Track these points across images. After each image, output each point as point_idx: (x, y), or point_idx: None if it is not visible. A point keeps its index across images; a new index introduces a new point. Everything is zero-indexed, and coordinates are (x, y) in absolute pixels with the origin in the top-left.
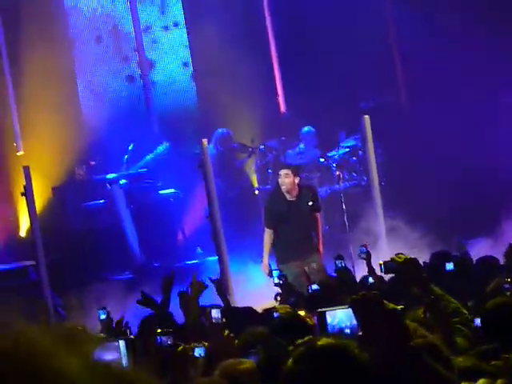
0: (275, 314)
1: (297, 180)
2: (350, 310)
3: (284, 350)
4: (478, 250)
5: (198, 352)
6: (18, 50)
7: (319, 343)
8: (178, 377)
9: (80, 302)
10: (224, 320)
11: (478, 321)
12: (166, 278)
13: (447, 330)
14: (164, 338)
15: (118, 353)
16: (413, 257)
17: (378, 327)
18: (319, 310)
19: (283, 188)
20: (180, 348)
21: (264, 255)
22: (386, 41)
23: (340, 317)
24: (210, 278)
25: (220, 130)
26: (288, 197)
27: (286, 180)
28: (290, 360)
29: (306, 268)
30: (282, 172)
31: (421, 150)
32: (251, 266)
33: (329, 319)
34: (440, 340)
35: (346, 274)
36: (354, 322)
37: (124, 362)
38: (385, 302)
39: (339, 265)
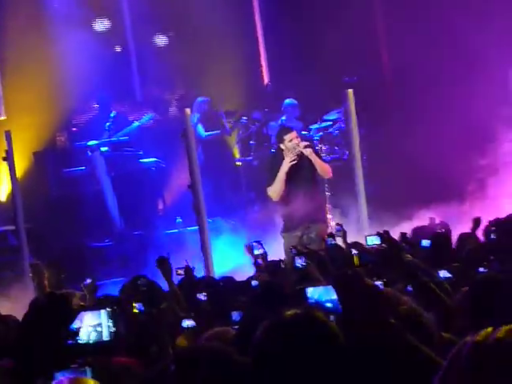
0: (253, 283)
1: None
2: (330, 286)
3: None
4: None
5: (186, 324)
6: (1, 15)
7: (287, 313)
8: (161, 335)
9: (55, 272)
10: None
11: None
12: (163, 263)
13: (442, 309)
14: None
15: (99, 322)
16: (392, 239)
17: (357, 303)
18: (299, 286)
19: (296, 151)
20: (163, 305)
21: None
22: (370, 14)
23: (321, 292)
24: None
25: (199, 98)
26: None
27: (296, 141)
28: (258, 331)
29: (305, 237)
30: (293, 135)
31: (403, 124)
32: (231, 236)
33: (309, 294)
34: (434, 320)
35: (336, 252)
36: (335, 296)
37: (105, 331)
38: (365, 278)
39: (330, 243)
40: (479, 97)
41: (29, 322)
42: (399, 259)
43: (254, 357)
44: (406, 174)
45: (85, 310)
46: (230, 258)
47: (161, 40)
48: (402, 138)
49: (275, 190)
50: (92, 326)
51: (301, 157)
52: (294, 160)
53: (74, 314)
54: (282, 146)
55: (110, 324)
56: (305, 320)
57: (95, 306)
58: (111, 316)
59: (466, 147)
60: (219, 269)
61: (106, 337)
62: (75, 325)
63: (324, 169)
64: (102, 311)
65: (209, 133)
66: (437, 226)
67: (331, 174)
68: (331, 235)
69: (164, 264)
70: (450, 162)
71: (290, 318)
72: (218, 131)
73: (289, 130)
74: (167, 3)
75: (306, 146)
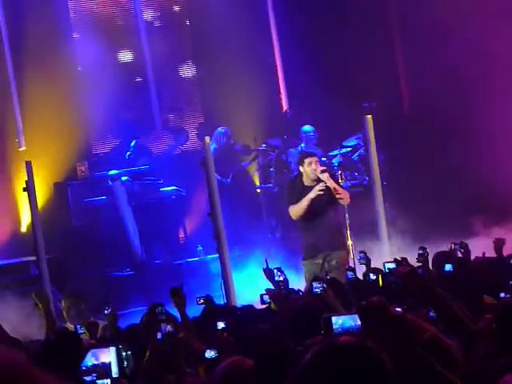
0: (266, 300)
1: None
2: (355, 316)
3: (285, 350)
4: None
5: (209, 354)
6: (20, 45)
7: (342, 339)
8: (179, 364)
9: (76, 302)
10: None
11: None
12: (175, 293)
13: (464, 335)
14: (163, 326)
15: (109, 359)
16: (411, 266)
17: (383, 332)
18: (325, 315)
19: (312, 176)
20: (181, 335)
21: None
22: (389, 41)
23: (345, 321)
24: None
25: (220, 129)
26: (308, 183)
27: (315, 166)
28: (309, 354)
29: (326, 265)
30: (313, 159)
31: (423, 150)
32: (252, 264)
33: (333, 322)
34: (457, 346)
35: (357, 284)
36: (358, 323)
37: (114, 368)
38: (389, 307)
39: (350, 277)
40: (499, 119)
41: (37, 359)
42: (423, 284)
43: (300, 381)
44: (427, 199)
45: (94, 348)
46: (251, 286)
47: (180, 70)
48: (422, 163)
49: (297, 212)
50: (106, 362)
51: (319, 184)
52: (322, 190)
53: (83, 351)
54: (301, 169)
55: (122, 360)
56: (360, 349)
57: (103, 343)
58: (119, 353)
59: (489, 170)
60: (242, 297)
61: (115, 373)
62: (89, 362)
63: (341, 195)
64: (111, 348)
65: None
66: (457, 249)
67: (349, 200)
68: (351, 269)
69: (177, 295)
70: (474, 186)
71: (344, 345)
72: (226, 180)
73: (311, 154)
74: (186, 34)
75: (322, 171)
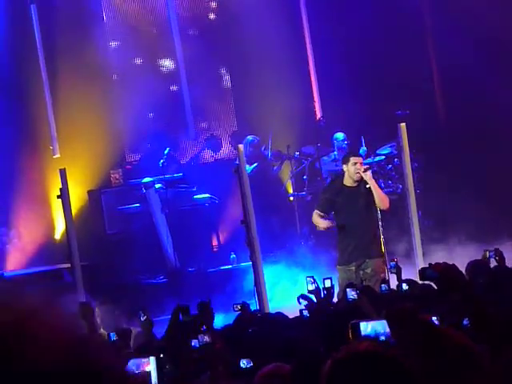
0: (305, 314)
1: None
2: (384, 321)
3: (319, 357)
4: None
5: (243, 363)
6: (55, 54)
7: (363, 345)
8: (216, 374)
9: (109, 309)
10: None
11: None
12: (205, 308)
13: (495, 339)
14: (201, 336)
15: (149, 368)
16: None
17: (411, 338)
18: (353, 321)
19: (357, 176)
20: (218, 345)
21: (322, 222)
22: (423, 48)
23: (374, 326)
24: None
25: (249, 137)
26: (349, 182)
27: (359, 166)
28: (329, 361)
29: (361, 273)
30: (359, 160)
31: (457, 157)
32: (285, 272)
33: (362, 328)
34: (486, 351)
35: (390, 296)
36: (387, 329)
37: (154, 377)
38: (420, 314)
39: (384, 289)
40: None
41: None
42: (461, 279)
43: None
44: (461, 208)
45: (134, 358)
46: (286, 293)
47: (214, 78)
48: (455, 172)
49: (315, 223)
50: (146, 371)
51: (359, 187)
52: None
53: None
54: (344, 168)
55: (162, 370)
56: (381, 357)
57: (143, 353)
58: (159, 363)
59: None
60: (275, 304)
61: (154, 383)
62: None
63: (382, 197)
64: (151, 358)
65: (251, 167)
66: (492, 256)
67: (388, 205)
68: (385, 281)
69: (205, 309)
70: (508, 195)
71: (364, 353)
72: (256, 163)
73: (357, 154)
74: (220, 43)
75: (365, 170)
